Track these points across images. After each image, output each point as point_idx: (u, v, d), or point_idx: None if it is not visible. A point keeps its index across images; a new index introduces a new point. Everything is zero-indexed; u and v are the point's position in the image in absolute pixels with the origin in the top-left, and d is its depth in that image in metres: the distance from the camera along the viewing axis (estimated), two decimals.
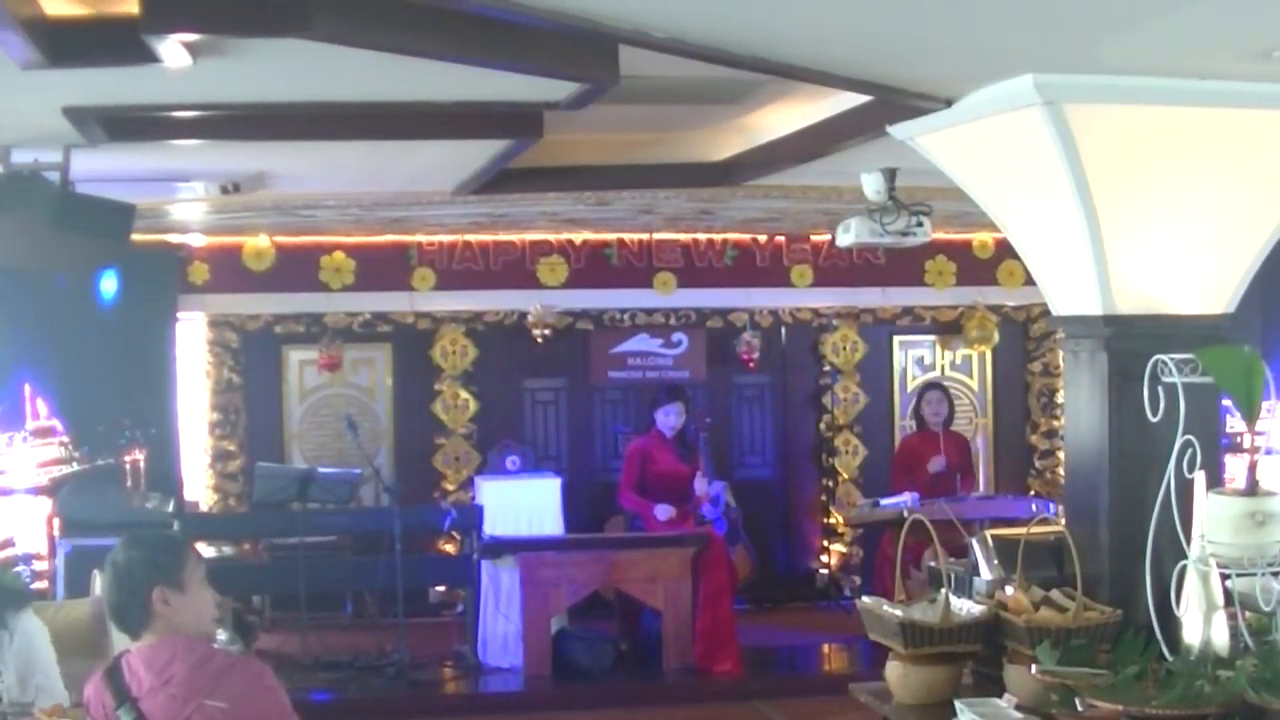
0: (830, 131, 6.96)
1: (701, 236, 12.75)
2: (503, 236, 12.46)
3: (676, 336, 12.97)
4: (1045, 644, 4.79)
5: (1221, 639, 4.64)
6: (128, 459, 10.97)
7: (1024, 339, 13.51)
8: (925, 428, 11.70)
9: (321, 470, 10.86)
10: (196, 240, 12.12)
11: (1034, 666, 4.74)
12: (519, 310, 12.54)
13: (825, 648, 11.49)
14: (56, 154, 7.03)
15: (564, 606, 10.32)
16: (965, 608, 5.31)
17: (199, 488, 12.27)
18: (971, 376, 13.54)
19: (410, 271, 12.47)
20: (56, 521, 10.02)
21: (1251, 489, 4.54)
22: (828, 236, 11.72)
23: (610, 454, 12.81)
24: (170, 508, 10.36)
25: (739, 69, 4.92)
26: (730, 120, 8.02)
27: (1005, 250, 11.71)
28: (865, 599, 5.62)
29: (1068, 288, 5.44)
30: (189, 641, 3.97)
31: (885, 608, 5.38)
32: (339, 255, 12.37)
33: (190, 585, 4.02)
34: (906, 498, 10.70)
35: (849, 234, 8.64)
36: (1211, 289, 5.32)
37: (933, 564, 5.89)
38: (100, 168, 7.46)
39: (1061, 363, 7.01)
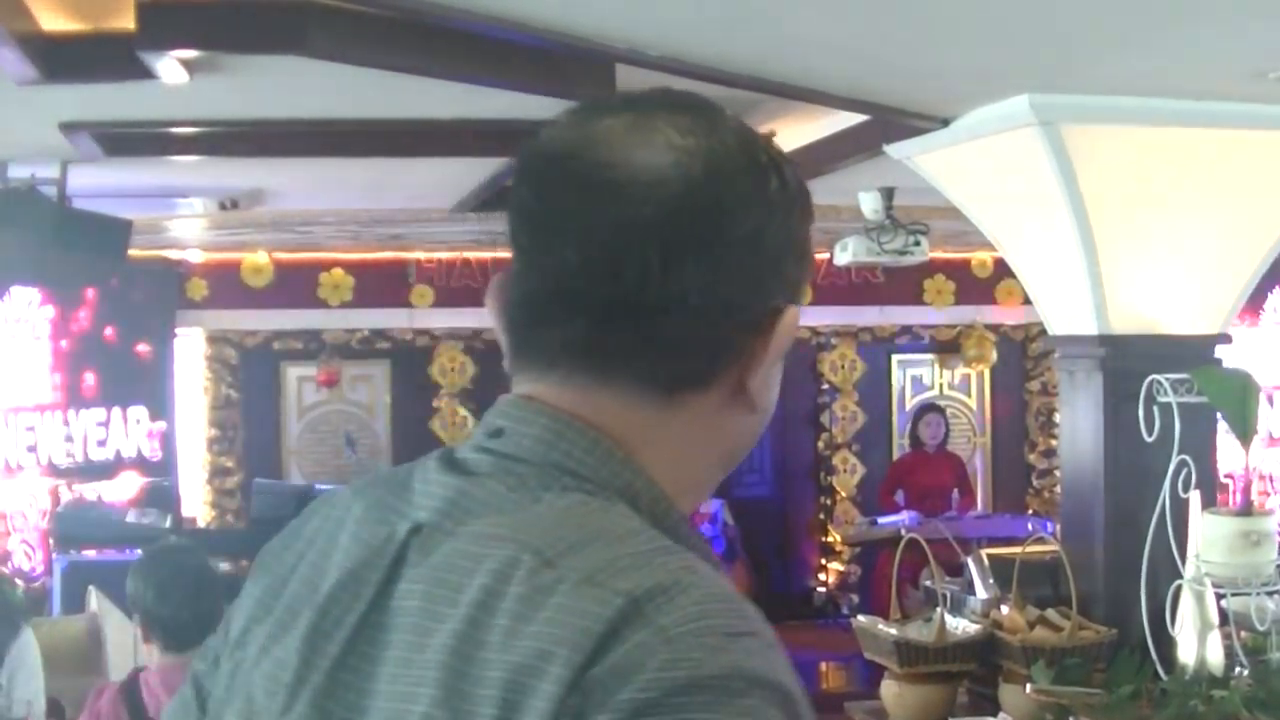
0: (827, 151, 6.95)
1: None
2: (502, 254, 12.31)
3: None
4: (1040, 663, 4.78)
5: (1216, 658, 4.64)
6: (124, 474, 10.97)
7: (1022, 358, 13.51)
8: (920, 448, 11.71)
9: (320, 486, 10.84)
10: (195, 256, 12.13)
11: (1029, 686, 4.74)
12: None
13: (822, 666, 11.44)
14: (54, 169, 7.02)
15: None
16: (960, 626, 5.30)
17: (196, 504, 12.25)
18: (970, 395, 13.54)
19: (409, 288, 12.47)
20: (52, 538, 10.00)
21: (1246, 508, 4.55)
22: (826, 255, 11.72)
23: None
24: (167, 524, 10.35)
25: (735, 88, 4.92)
26: None
27: (1004, 269, 11.69)
28: (861, 618, 5.61)
29: (1063, 307, 5.44)
30: None
31: (880, 626, 5.38)
32: (337, 272, 12.38)
33: None
34: (904, 516, 10.71)
35: (846, 253, 8.65)
36: (1207, 309, 5.33)
37: (929, 583, 5.89)
38: (98, 183, 7.46)
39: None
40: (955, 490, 11.31)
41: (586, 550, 1.10)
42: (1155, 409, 4.84)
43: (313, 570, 1.24)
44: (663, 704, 1.01)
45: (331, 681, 1.15)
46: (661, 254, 1.14)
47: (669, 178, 1.14)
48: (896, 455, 12.94)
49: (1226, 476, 7.77)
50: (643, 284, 1.15)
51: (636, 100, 1.22)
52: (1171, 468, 4.76)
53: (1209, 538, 4.57)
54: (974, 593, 5.64)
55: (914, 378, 13.49)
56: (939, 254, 11.52)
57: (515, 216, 1.24)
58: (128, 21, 4.57)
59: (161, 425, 11.46)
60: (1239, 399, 4.60)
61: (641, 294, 1.15)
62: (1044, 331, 5.73)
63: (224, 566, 11.10)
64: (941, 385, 13.46)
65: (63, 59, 4.85)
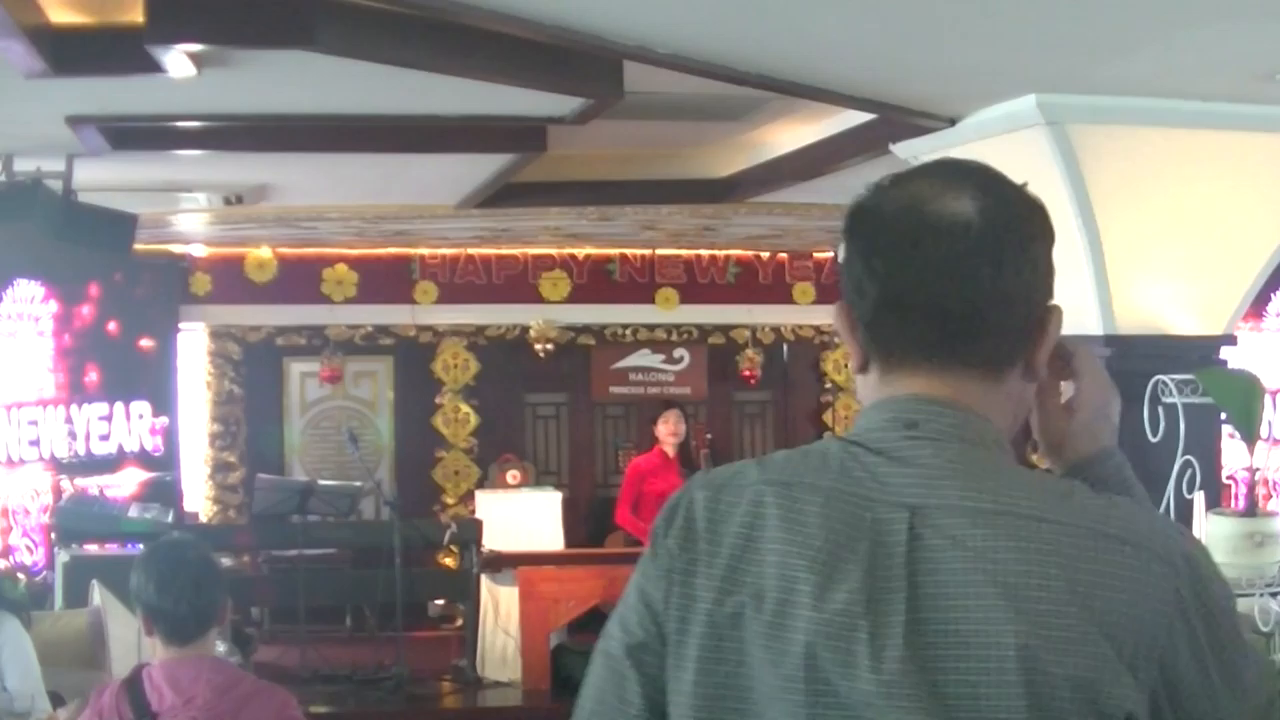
0: (833, 149, 6.96)
1: (704, 253, 12.75)
2: (505, 250, 12.46)
3: (678, 352, 12.96)
4: None
5: None
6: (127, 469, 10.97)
7: None
8: None
9: (321, 483, 10.83)
10: (199, 251, 12.13)
11: None
12: (521, 324, 12.54)
13: None
14: (59, 163, 7.03)
15: (563, 621, 10.29)
16: None
17: (198, 499, 12.25)
18: None
19: (412, 285, 12.47)
20: (54, 533, 9.99)
21: (1250, 510, 4.55)
22: (830, 254, 11.72)
23: (611, 469, 12.80)
24: (169, 519, 10.34)
25: (743, 86, 4.92)
26: (734, 137, 8.02)
27: None
28: None
29: (1068, 307, 5.41)
30: (215, 661, 3.80)
31: None
32: (341, 268, 12.38)
33: None
34: None
35: None
36: (1212, 310, 5.32)
37: None
38: (103, 177, 7.46)
39: None
40: None
41: (1069, 507, 1.54)
42: (1160, 410, 4.84)
43: (785, 552, 1.57)
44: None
45: (914, 634, 1.47)
46: (986, 270, 1.60)
47: (981, 220, 1.61)
48: None
49: (1229, 478, 7.77)
50: (976, 291, 1.60)
51: (930, 169, 1.71)
52: (1176, 468, 4.75)
53: (1213, 539, 4.56)
54: None
55: None
56: None
57: (868, 254, 1.65)
58: (136, 15, 4.57)
59: (164, 420, 11.45)
60: (1244, 400, 4.59)
61: (976, 297, 1.60)
62: None
63: (225, 562, 11.15)
64: None
65: (70, 52, 4.86)
